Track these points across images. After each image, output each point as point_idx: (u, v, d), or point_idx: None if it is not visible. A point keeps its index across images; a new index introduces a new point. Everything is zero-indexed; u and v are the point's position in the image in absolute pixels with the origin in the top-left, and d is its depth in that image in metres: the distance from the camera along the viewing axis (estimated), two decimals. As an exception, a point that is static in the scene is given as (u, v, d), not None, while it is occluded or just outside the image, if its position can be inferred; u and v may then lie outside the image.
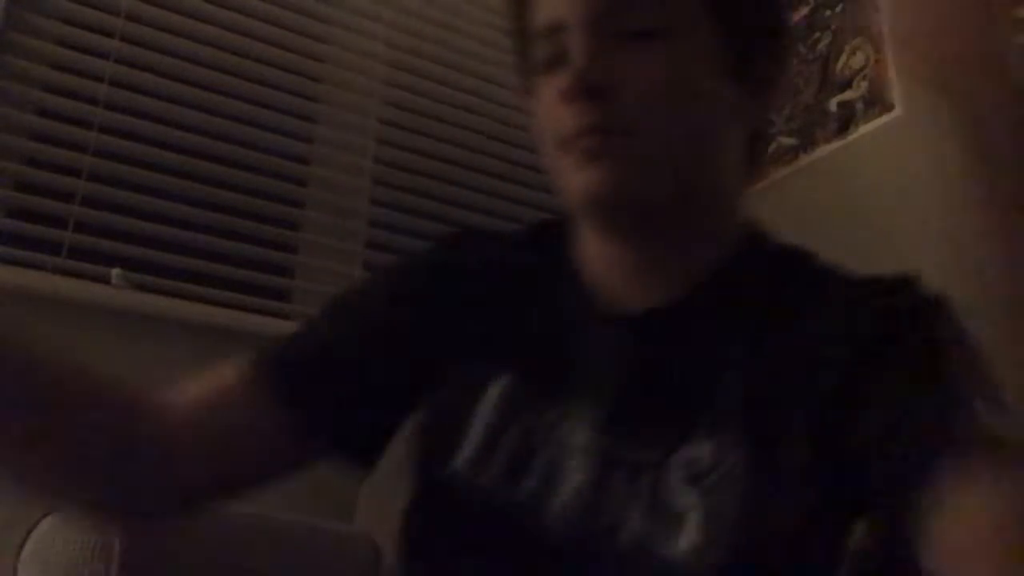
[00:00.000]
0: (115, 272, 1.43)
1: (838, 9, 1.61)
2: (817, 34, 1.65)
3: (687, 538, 0.51)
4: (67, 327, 1.36)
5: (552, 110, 0.60)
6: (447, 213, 1.79)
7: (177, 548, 0.93)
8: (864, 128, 1.51)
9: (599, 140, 0.57)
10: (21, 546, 0.92)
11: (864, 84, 1.52)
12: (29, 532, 0.92)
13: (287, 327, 1.55)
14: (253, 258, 1.59)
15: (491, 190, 1.86)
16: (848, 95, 1.55)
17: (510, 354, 0.63)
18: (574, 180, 0.59)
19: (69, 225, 1.43)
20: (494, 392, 0.62)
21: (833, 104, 1.57)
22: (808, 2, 1.69)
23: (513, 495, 0.58)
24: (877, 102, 1.49)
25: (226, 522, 1.04)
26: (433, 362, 0.66)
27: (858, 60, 1.54)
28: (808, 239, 1.56)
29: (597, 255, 0.65)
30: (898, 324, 0.55)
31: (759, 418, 0.53)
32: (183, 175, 1.55)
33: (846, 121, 1.54)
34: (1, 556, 0.96)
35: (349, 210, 1.73)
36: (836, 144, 1.56)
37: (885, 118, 1.47)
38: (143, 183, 1.52)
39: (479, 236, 0.74)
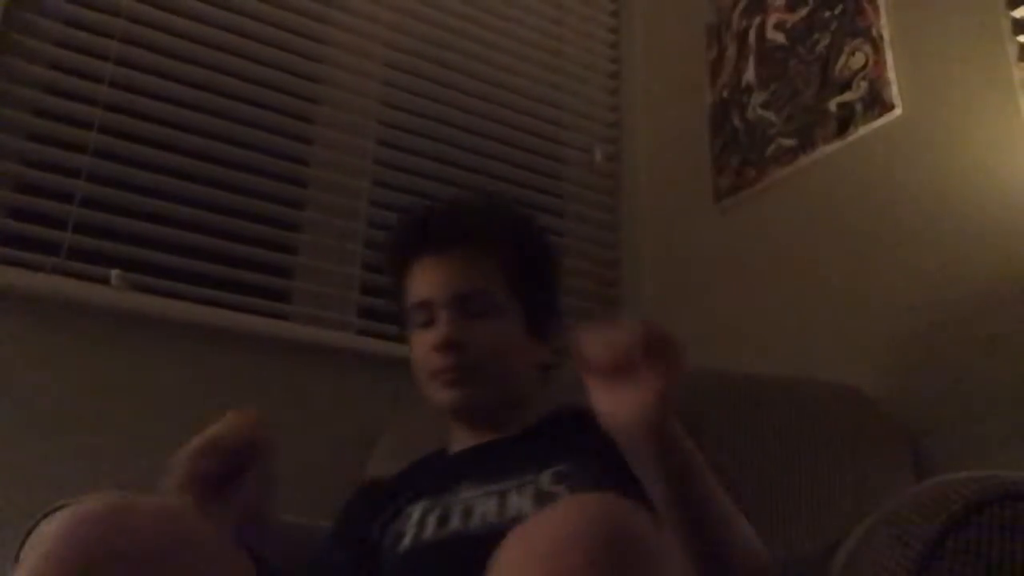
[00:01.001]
0: (115, 272, 1.43)
1: (837, 10, 1.61)
2: (816, 35, 1.65)
3: None
4: (67, 327, 1.37)
5: (426, 354, 1.02)
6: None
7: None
8: (863, 129, 1.51)
9: (456, 375, 1.00)
10: (22, 545, 0.92)
11: (864, 84, 1.52)
12: (30, 531, 0.92)
13: (287, 328, 1.56)
14: (253, 259, 1.59)
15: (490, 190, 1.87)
16: (848, 96, 1.55)
17: (424, 490, 1.00)
18: (441, 397, 1.02)
19: (69, 226, 1.43)
20: (419, 506, 0.97)
21: (833, 105, 1.57)
22: (808, 2, 1.69)
23: (446, 536, 0.90)
24: (877, 102, 1.49)
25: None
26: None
27: (858, 60, 1.54)
28: (808, 239, 1.57)
29: (456, 440, 1.08)
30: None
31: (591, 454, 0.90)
32: (183, 176, 1.56)
33: (846, 122, 1.54)
34: (2, 556, 0.96)
35: (349, 211, 1.73)
36: (836, 145, 1.56)
37: (885, 119, 1.47)
38: (143, 184, 1.52)
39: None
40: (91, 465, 1.29)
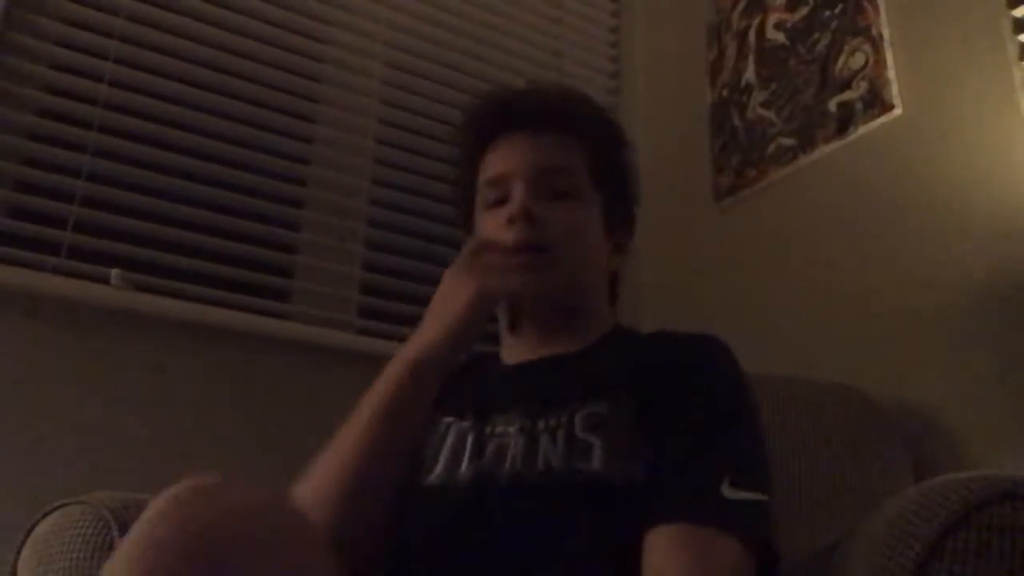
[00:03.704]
0: (115, 272, 1.43)
1: (837, 9, 1.61)
2: (816, 34, 1.65)
3: (595, 461, 0.80)
4: (67, 327, 1.36)
5: (496, 232, 0.94)
6: (446, 213, 1.78)
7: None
8: (863, 128, 1.51)
9: (531, 256, 0.91)
10: (22, 545, 0.92)
11: (863, 84, 1.52)
12: (30, 531, 0.92)
13: (287, 327, 1.56)
14: (253, 258, 1.59)
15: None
16: (847, 95, 1.55)
17: (465, 407, 0.94)
18: (508, 284, 0.92)
19: (69, 225, 1.43)
20: (454, 428, 0.92)
21: (832, 104, 1.57)
22: (808, 2, 1.69)
23: (474, 477, 0.85)
24: (876, 102, 1.49)
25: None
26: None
27: (858, 60, 1.54)
28: (808, 239, 1.57)
29: (510, 346, 1.02)
30: (693, 359, 0.91)
31: (635, 391, 0.85)
32: (183, 175, 1.56)
33: (845, 121, 1.54)
34: (2, 555, 0.96)
35: (349, 210, 1.73)
36: (836, 144, 1.56)
37: (884, 118, 1.47)
38: (143, 183, 1.52)
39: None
40: (91, 464, 1.29)
